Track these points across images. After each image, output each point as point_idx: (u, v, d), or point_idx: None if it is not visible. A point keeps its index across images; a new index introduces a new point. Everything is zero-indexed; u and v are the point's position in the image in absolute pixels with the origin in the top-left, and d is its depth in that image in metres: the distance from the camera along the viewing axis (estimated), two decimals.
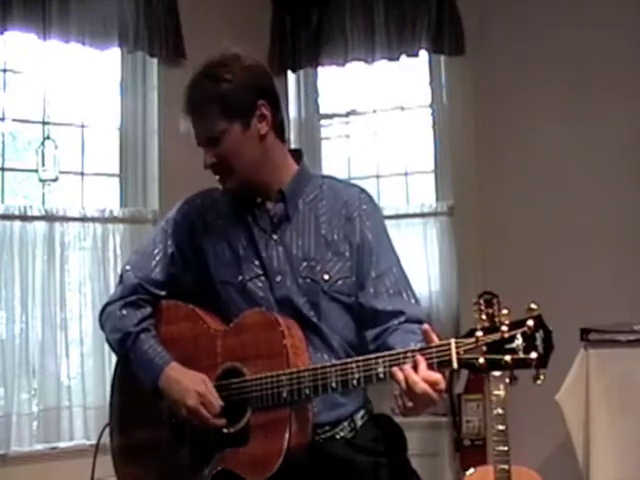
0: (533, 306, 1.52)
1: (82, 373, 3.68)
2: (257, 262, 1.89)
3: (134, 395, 1.98)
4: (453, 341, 1.55)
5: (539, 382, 1.48)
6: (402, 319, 1.80)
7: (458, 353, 1.54)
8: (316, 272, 1.85)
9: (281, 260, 1.88)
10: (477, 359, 1.52)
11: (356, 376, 1.64)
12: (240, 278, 1.89)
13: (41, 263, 3.60)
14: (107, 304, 2.01)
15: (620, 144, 3.72)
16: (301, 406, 1.74)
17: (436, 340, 1.58)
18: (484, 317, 2.89)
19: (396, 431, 1.93)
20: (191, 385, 1.83)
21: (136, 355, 1.92)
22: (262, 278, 1.88)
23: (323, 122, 4.42)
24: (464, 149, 4.03)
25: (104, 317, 2.01)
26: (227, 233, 1.94)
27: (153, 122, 3.99)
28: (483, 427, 3.69)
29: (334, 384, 1.67)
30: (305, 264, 1.87)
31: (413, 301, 1.87)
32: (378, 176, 4.29)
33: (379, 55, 4.04)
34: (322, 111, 4.40)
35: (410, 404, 1.59)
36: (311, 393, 1.69)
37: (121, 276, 2.03)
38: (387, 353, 1.63)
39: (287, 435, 1.70)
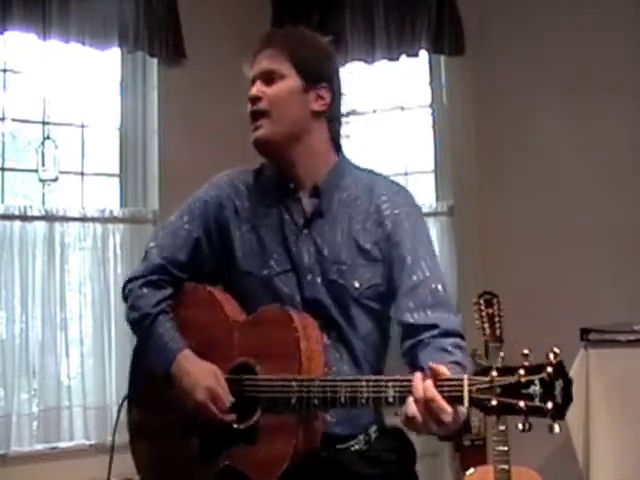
0: (556, 350, 1.40)
1: (82, 373, 3.68)
2: (286, 256, 1.82)
3: (152, 374, 1.94)
4: (466, 378, 1.46)
5: (555, 432, 1.38)
6: (435, 332, 1.70)
7: (470, 391, 1.45)
8: (347, 277, 1.79)
9: (311, 258, 1.81)
10: (490, 400, 1.43)
11: (365, 395, 1.58)
12: (266, 272, 1.82)
13: (41, 263, 3.60)
14: (129, 280, 1.96)
15: (620, 144, 3.72)
16: (313, 415, 1.69)
17: (447, 374, 1.49)
18: (484, 317, 2.92)
19: (407, 444, 1.88)
20: (201, 379, 1.78)
21: (151, 337, 1.88)
22: (290, 274, 1.82)
23: None
24: (464, 149, 4.03)
25: (126, 292, 1.96)
26: (256, 220, 1.87)
27: (153, 122, 3.99)
28: (483, 427, 3.69)
29: (343, 399, 1.61)
30: (335, 267, 1.80)
31: (448, 313, 1.75)
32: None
33: (379, 55, 4.04)
34: None
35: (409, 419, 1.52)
36: (320, 404, 1.64)
37: (146, 252, 1.97)
38: (401, 378, 1.55)
39: (294, 441, 1.67)
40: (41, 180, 3.76)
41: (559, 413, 1.39)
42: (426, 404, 1.47)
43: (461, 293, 3.94)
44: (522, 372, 1.42)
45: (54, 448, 3.59)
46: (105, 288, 3.74)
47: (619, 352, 2.95)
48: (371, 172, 1.94)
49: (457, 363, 1.61)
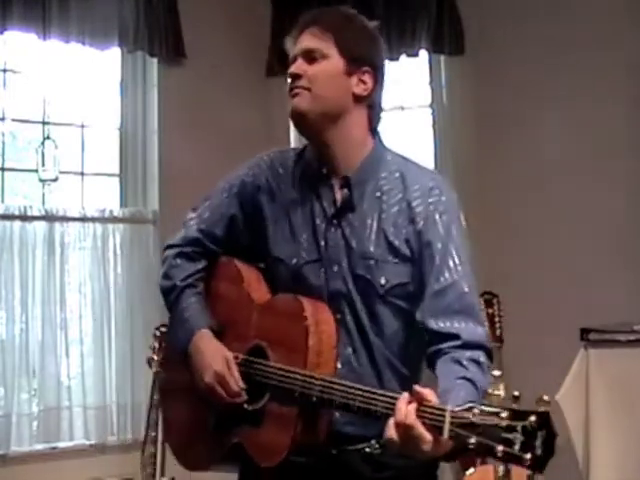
0: (545, 398, 1.33)
1: (82, 373, 3.68)
2: (315, 246, 1.78)
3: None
4: (449, 410, 1.40)
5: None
6: (457, 343, 1.64)
7: (452, 423, 1.38)
8: (373, 273, 1.73)
9: (340, 249, 1.76)
10: (469, 437, 1.36)
11: (357, 404, 1.56)
12: (295, 260, 1.79)
13: (41, 263, 3.61)
14: (167, 246, 1.97)
15: (622, 144, 3.72)
16: (315, 408, 1.68)
17: (432, 400, 1.45)
18: (484, 317, 2.92)
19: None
20: (212, 361, 1.78)
21: (176, 310, 1.89)
22: (317, 264, 1.77)
23: None
24: (464, 149, 4.03)
25: (163, 258, 1.98)
26: (289, 204, 1.82)
27: (153, 122, 3.99)
28: None
29: (337, 403, 1.60)
30: (363, 261, 1.74)
31: (473, 323, 1.68)
32: None
33: None
34: None
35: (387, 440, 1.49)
36: (318, 402, 1.63)
37: (184, 223, 1.96)
38: (390, 395, 1.52)
39: (292, 433, 1.67)
40: (41, 180, 3.76)
41: (538, 465, 1.32)
42: (405, 429, 1.44)
43: None
44: (504, 415, 1.34)
45: (54, 448, 3.59)
46: (105, 288, 3.74)
47: (619, 352, 2.95)
48: (406, 160, 1.88)
49: (467, 379, 1.57)
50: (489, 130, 3.96)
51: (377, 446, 1.73)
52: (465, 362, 1.61)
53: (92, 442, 3.67)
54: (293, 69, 1.77)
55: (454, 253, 1.74)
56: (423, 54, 4.06)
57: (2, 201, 3.65)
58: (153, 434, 3.03)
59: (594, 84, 3.75)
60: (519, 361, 3.36)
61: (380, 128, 1.86)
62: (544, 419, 1.32)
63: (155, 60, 3.95)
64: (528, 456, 1.31)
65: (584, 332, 2.99)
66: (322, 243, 1.77)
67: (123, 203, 3.99)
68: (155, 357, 3.04)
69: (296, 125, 1.80)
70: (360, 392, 1.57)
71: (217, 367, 1.77)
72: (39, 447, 3.57)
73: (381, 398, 1.53)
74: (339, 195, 1.78)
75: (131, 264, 3.80)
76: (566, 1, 3.84)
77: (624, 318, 3.09)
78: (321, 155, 1.80)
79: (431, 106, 4.25)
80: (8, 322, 3.53)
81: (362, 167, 1.79)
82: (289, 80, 1.78)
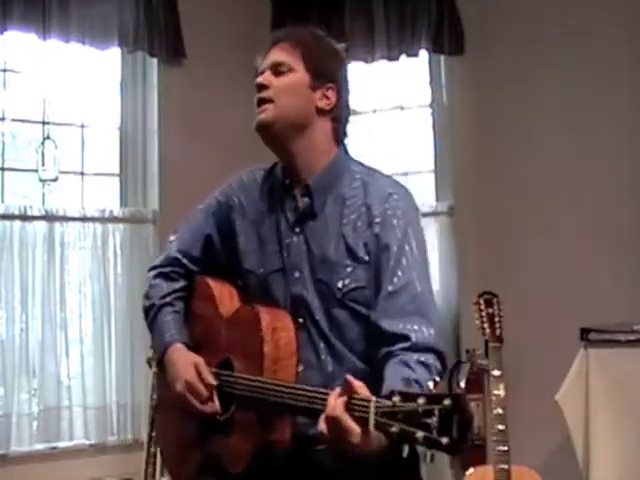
0: (462, 384, 1.36)
1: (82, 373, 3.68)
2: (278, 255, 1.85)
3: None
4: (374, 400, 1.41)
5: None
6: (406, 345, 1.65)
7: (377, 414, 1.39)
8: (332, 277, 1.77)
9: (301, 256, 1.82)
10: (392, 426, 1.36)
11: (303, 405, 1.60)
12: (262, 270, 1.86)
13: (41, 263, 3.61)
14: (150, 268, 2.06)
15: (622, 144, 3.71)
16: (279, 415, 1.71)
17: (360, 391, 1.47)
18: (484, 317, 2.92)
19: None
20: (182, 371, 1.84)
21: (154, 328, 1.98)
22: (280, 273, 1.84)
23: None
24: (464, 149, 4.03)
25: (145, 280, 2.07)
26: (258, 218, 1.91)
27: (153, 122, 3.99)
28: (483, 427, 3.69)
29: (288, 405, 1.64)
30: (322, 266, 1.79)
31: (425, 326, 1.69)
32: None
33: (379, 55, 4.04)
34: None
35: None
36: (273, 406, 1.67)
37: (167, 244, 2.07)
38: (326, 392, 1.55)
39: (255, 438, 1.71)
40: (41, 180, 3.76)
41: (454, 449, 1.31)
42: (334, 422, 1.46)
43: (461, 293, 3.94)
44: (422, 401, 1.34)
45: (54, 448, 3.59)
46: (105, 288, 3.75)
47: (619, 352, 2.95)
48: (370, 169, 1.91)
49: (412, 380, 1.57)
50: (489, 130, 3.96)
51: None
52: (412, 364, 1.62)
53: (92, 442, 3.67)
54: (260, 80, 1.84)
55: (409, 255, 1.76)
56: (423, 54, 4.05)
57: (2, 201, 3.65)
58: (154, 434, 3.03)
59: (594, 84, 3.74)
60: (519, 361, 3.37)
61: (348, 139, 1.93)
62: (458, 402, 1.32)
63: (155, 60, 3.95)
64: (445, 440, 1.31)
65: (584, 332, 3.00)
66: (285, 251, 1.83)
67: (123, 203, 3.99)
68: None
69: (262, 136, 1.87)
70: (303, 392, 1.60)
71: (187, 376, 1.83)
72: (39, 447, 3.57)
73: (321, 396, 1.55)
74: (301, 204, 1.84)
75: (131, 264, 3.80)
76: (567, 2, 3.84)
77: (624, 318, 3.09)
78: (286, 166, 1.88)
79: (431, 106, 4.25)
80: (8, 322, 3.53)
81: (322, 175, 1.85)
82: (257, 91, 1.85)
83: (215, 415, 1.82)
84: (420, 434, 1.32)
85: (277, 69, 1.84)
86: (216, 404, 1.82)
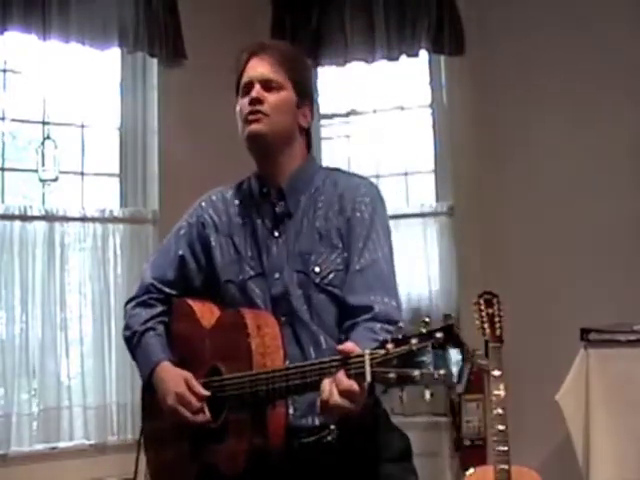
0: (451, 314, 1.42)
1: (82, 373, 3.68)
2: (258, 260, 1.92)
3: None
4: (368, 352, 1.47)
5: (457, 393, 1.38)
6: (369, 316, 1.76)
7: (372, 366, 1.46)
8: (308, 265, 1.86)
9: (281, 257, 1.90)
10: (389, 373, 1.42)
11: (295, 382, 1.63)
12: (241, 277, 1.92)
13: (41, 263, 3.60)
14: (127, 301, 2.11)
15: (622, 144, 3.72)
16: (270, 408, 1.73)
17: (353, 350, 1.53)
18: (484, 317, 2.92)
19: (392, 440, 1.89)
20: (172, 385, 1.87)
21: (138, 353, 2.02)
22: (261, 277, 1.91)
23: (323, 122, 4.41)
24: (464, 149, 4.03)
25: (123, 313, 2.11)
26: (233, 230, 1.98)
27: (153, 122, 3.99)
28: (483, 427, 3.69)
29: (281, 388, 1.66)
30: (299, 259, 1.88)
31: (388, 298, 1.81)
32: (378, 176, 4.28)
33: (379, 55, 4.04)
34: (322, 111, 4.39)
35: (329, 414, 1.58)
36: (267, 396, 1.70)
37: (142, 273, 2.13)
38: (316, 361, 1.61)
39: (248, 436, 1.73)
40: (41, 180, 3.76)
41: (452, 378, 1.37)
42: (342, 395, 1.51)
43: (461, 293, 3.94)
44: (415, 341, 1.40)
45: (54, 448, 3.59)
46: (105, 288, 3.74)
47: (619, 352, 2.95)
48: (339, 169, 2.04)
49: (377, 341, 1.60)
50: (489, 130, 3.96)
51: (337, 433, 1.79)
52: (377, 330, 1.71)
53: (92, 442, 3.67)
54: (256, 94, 1.92)
55: (375, 238, 1.88)
56: (423, 54, 4.05)
57: (2, 201, 3.65)
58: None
59: (595, 84, 3.75)
60: (519, 361, 3.37)
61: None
62: (449, 332, 1.38)
63: (155, 60, 3.94)
64: (442, 372, 1.37)
65: (584, 332, 3.00)
66: (264, 255, 1.91)
67: (123, 203, 3.99)
68: None
69: (252, 144, 1.95)
70: (294, 369, 1.65)
71: (177, 389, 1.86)
72: (39, 447, 3.56)
73: (310, 367, 1.61)
74: (278, 207, 1.94)
75: (131, 264, 3.80)
76: (567, 2, 3.84)
77: (624, 318, 3.09)
78: (265, 174, 1.97)
79: (431, 106, 4.25)
80: (8, 322, 3.52)
81: (293, 176, 1.96)
82: (247, 105, 1.93)
83: (207, 425, 1.83)
84: (417, 372, 1.38)
85: (268, 84, 1.93)
86: (207, 413, 1.84)
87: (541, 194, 3.84)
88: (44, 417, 3.58)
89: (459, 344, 1.38)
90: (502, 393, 2.91)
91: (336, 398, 1.52)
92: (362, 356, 1.48)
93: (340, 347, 1.56)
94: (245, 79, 1.96)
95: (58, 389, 3.60)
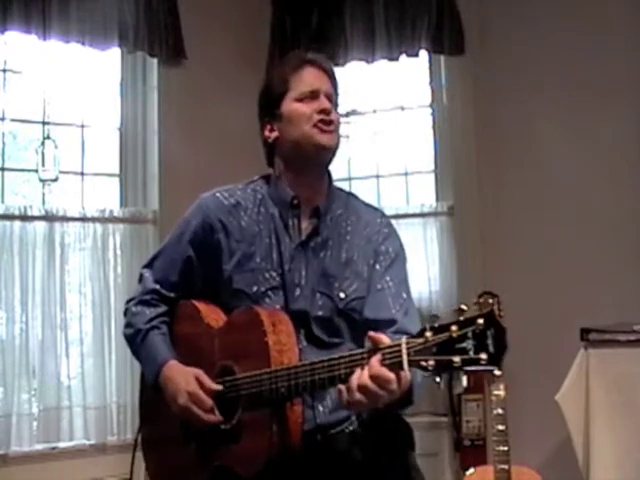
0: (490, 301, 1.49)
1: (82, 373, 3.68)
2: (278, 273, 1.90)
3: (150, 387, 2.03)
4: (404, 341, 1.51)
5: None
6: (393, 329, 1.79)
7: (409, 354, 1.49)
8: (333, 289, 1.88)
9: (302, 274, 1.90)
10: (427, 361, 1.47)
11: (322, 376, 1.64)
12: (255, 288, 1.90)
13: (41, 263, 3.60)
14: (128, 300, 2.09)
15: (621, 144, 3.72)
16: (288, 406, 1.74)
17: (386, 342, 1.56)
18: None
19: (404, 429, 1.93)
20: (183, 384, 1.85)
21: (143, 352, 1.99)
22: (278, 291, 1.90)
23: None
24: (464, 149, 4.03)
25: (124, 311, 2.09)
26: (246, 237, 1.94)
27: (153, 122, 3.99)
28: (483, 427, 3.69)
29: (305, 383, 1.67)
30: (324, 280, 1.89)
31: (409, 317, 1.86)
32: (378, 176, 4.29)
33: (379, 55, 4.04)
34: None
35: (357, 399, 1.57)
36: (288, 392, 1.70)
37: (141, 275, 2.09)
38: (345, 354, 1.62)
39: (269, 434, 1.72)
40: (41, 180, 3.76)
41: (494, 362, 1.42)
42: (373, 380, 1.53)
43: (461, 293, 3.93)
44: (454, 328, 1.45)
45: (54, 448, 3.59)
46: (105, 288, 3.74)
47: (619, 352, 2.95)
48: (349, 193, 2.08)
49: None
50: (489, 130, 3.96)
51: (358, 423, 1.84)
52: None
53: (92, 442, 3.67)
54: (330, 107, 1.94)
55: (399, 268, 1.96)
56: (423, 54, 4.05)
57: (2, 201, 3.65)
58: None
59: (595, 84, 3.74)
60: (519, 361, 3.36)
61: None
62: (490, 318, 1.45)
63: (155, 60, 3.94)
64: (483, 355, 1.42)
65: (584, 332, 2.99)
66: (286, 268, 1.90)
67: (123, 203, 3.99)
68: None
69: (323, 157, 1.96)
70: (321, 364, 1.65)
71: (189, 387, 1.84)
72: (39, 447, 3.56)
73: (340, 361, 1.62)
74: (306, 223, 1.93)
75: (131, 264, 3.80)
76: (567, 2, 3.84)
77: (624, 318, 3.09)
78: (301, 189, 1.94)
79: (431, 106, 4.25)
80: (8, 322, 3.52)
81: (327, 199, 1.97)
82: (322, 112, 1.92)
83: (219, 425, 1.81)
84: (457, 359, 1.43)
85: (330, 100, 1.95)
86: (217, 414, 1.82)
87: (541, 194, 3.83)
88: (44, 417, 3.58)
89: (500, 329, 1.43)
90: (502, 393, 2.91)
91: (365, 379, 1.53)
92: (398, 345, 1.51)
93: (371, 333, 1.58)
94: (310, 87, 1.94)
95: (58, 389, 3.60)
